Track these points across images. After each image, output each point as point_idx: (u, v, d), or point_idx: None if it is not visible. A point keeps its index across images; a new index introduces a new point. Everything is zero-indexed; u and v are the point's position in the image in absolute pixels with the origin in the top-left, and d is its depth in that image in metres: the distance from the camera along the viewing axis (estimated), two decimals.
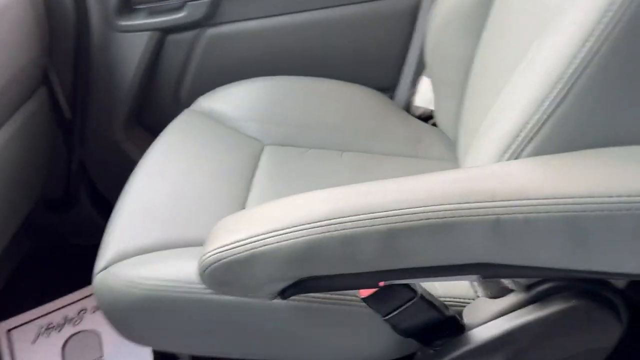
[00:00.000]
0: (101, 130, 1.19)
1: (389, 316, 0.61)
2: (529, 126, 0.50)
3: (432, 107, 1.06)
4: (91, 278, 0.71)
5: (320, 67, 1.13)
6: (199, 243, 0.69)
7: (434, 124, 1.05)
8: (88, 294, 1.22)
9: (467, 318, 0.66)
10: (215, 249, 0.52)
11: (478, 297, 0.67)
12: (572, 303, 0.58)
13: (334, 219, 0.49)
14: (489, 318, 0.63)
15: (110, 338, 1.12)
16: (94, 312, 1.18)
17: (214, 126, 0.99)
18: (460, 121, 0.89)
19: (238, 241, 0.51)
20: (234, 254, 0.51)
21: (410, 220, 0.47)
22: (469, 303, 0.68)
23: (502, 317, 0.62)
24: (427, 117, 1.08)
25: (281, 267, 0.51)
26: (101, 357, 1.09)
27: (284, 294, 0.55)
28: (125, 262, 0.69)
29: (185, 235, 0.74)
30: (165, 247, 0.72)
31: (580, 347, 0.62)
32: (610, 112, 0.49)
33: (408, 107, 1.11)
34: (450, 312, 0.64)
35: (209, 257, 0.52)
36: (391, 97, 1.15)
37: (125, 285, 0.66)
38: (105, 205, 1.33)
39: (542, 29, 0.55)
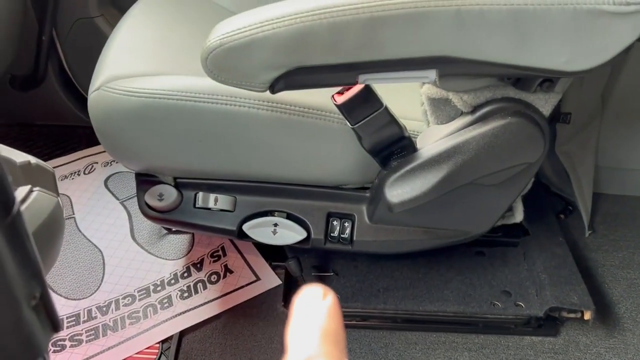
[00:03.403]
0: (75, 3, 1.22)
1: (358, 124, 0.71)
2: None
3: None
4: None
5: None
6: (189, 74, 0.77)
7: None
8: (56, 165, 1.27)
9: (420, 143, 0.78)
10: (219, 35, 0.60)
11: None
12: (508, 120, 0.71)
13: (323, 8, 0.58)
14: (439, 139, 0.75)
15: (80, 200, 1.18)
16: (62, 180, 1.23)
17: None
18: None
19: (239, 29, 0.60)
20: (236, 40, 0.59)
21: (389, 10, 0.57)
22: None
23: (449, 136, 0.74)
24: None
25: (275, 53, 0.60)
26: (72, 215, 1.14)
27: (273, 88, 0.64)
28: (120, 80, 0.75)
29: (175, 69, 0.81)
30: (157, 75, 0.78)
31: (513, 159, 0.74)
32: None
33: None
34: (408, 133, 0.76)
35: (213, 42, 0.60)
36: None
37: (123, 94, 0.73)
38: (71, 87, 1.37)
39: None
